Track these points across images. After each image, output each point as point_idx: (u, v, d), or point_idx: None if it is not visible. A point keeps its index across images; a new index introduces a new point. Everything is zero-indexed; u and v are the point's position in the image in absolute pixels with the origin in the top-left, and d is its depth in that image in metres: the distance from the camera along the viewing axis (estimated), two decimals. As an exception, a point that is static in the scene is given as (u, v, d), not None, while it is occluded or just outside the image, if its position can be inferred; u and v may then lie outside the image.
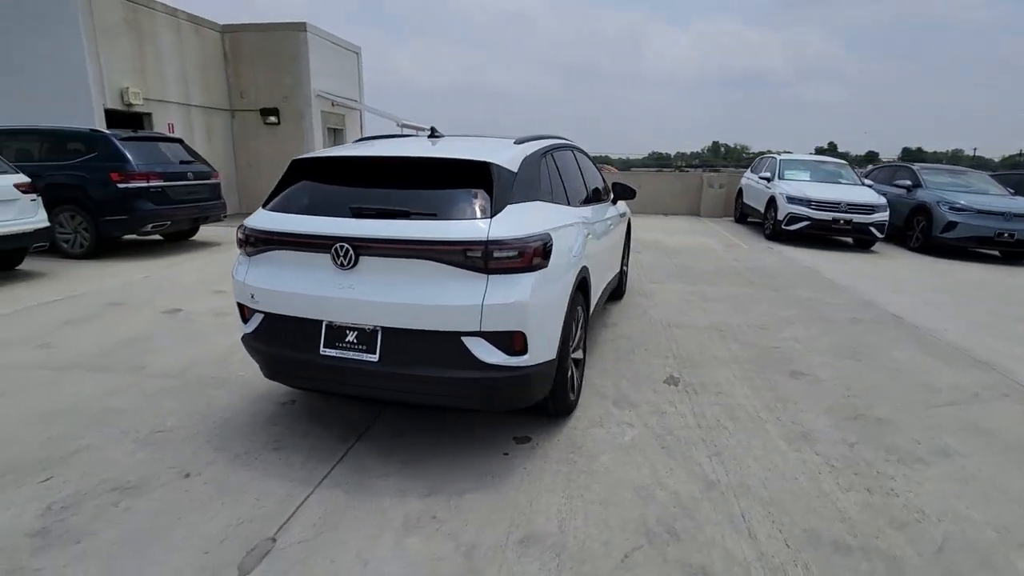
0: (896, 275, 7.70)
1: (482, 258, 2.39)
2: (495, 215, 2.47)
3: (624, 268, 5.78)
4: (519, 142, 3.11)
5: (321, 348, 2.59)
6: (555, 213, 2.97)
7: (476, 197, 2.54)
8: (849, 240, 10.33)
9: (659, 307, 5.60)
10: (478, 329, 2.42)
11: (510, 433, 3.02)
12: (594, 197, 4.36)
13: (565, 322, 2.82)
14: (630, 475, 2.66)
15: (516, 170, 2.76)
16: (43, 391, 3.45)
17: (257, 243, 2.73)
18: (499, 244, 2.40)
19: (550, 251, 2.62)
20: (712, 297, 6.06)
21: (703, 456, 2.83)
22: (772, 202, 10.44)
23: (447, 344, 2.45)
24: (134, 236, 7.78)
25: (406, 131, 15.31)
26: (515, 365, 2.51)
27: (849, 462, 2.81)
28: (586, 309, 3.44)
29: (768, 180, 10.96)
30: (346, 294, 2.50)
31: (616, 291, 5.55)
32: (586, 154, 4.62)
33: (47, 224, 6.56)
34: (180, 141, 8.63)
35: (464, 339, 2.44)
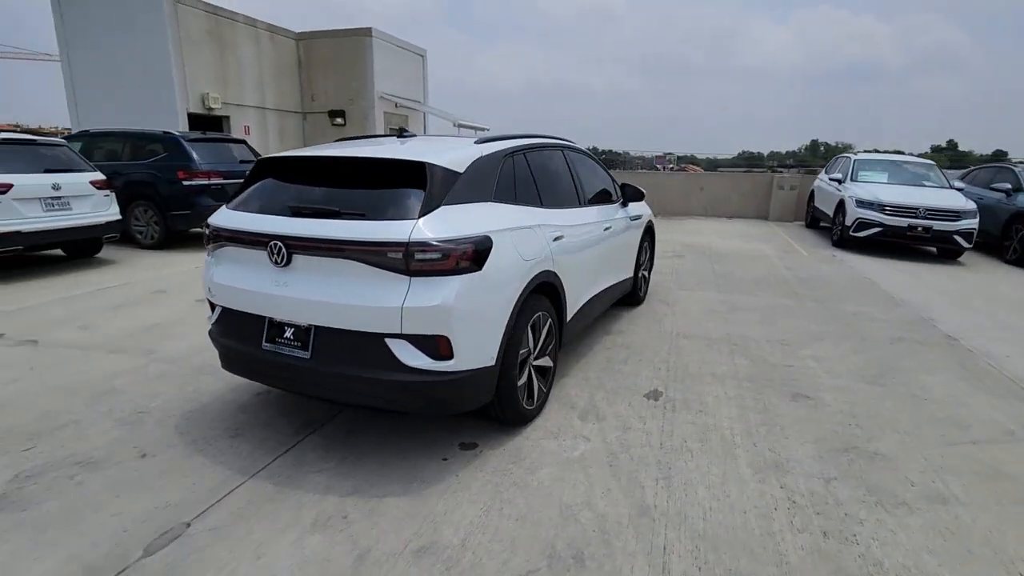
0: (974, 290, 6.81)
1: (403, 259, 2.36)
2: (423, 216, 2.43)
3: (643, 274, 5.52)
4: (480, 142, 3.04)
5: (263, 343, 2.67)
6: (508, 215, 2.88)
7: (408, 197, 2.51)
8: (932, 250, 9.28)
9: (677, 316, 5.29)
10: (399, 331, 2.39)
11: (458, 439, 2.96)
12: (594, 199, 4.20)
13: (509, 329, 2.72)
14: (562, 492, 2.53)
15: (461, 171, 2.71)
16: (65, 368, 3.81)
17: (217, 239, 2.86)
18: (422, 246, 2.36)
19: (485, 254, 2.54)
20: (742, 307, 5.64)
21: (650, 479, 2.63)
22: (841, 206, 9.58)
23: (372, 345, 2.44)
24: (199, 229, 8.44)
25: (462, 131, 15.58)
26: (441, 370, 2.46)
27: (816, 499, 2.51)
28: (557, 316, 3.30)
29: (839, 182, 10.07)
30: (282, 291, 2.56)
31: (631, 298, 5.32)
32: (588, 155, 4.44)
33: (118, 217, 7.27)
34: (244, 142, 9.27)
35: (387, 341, 2.43)
